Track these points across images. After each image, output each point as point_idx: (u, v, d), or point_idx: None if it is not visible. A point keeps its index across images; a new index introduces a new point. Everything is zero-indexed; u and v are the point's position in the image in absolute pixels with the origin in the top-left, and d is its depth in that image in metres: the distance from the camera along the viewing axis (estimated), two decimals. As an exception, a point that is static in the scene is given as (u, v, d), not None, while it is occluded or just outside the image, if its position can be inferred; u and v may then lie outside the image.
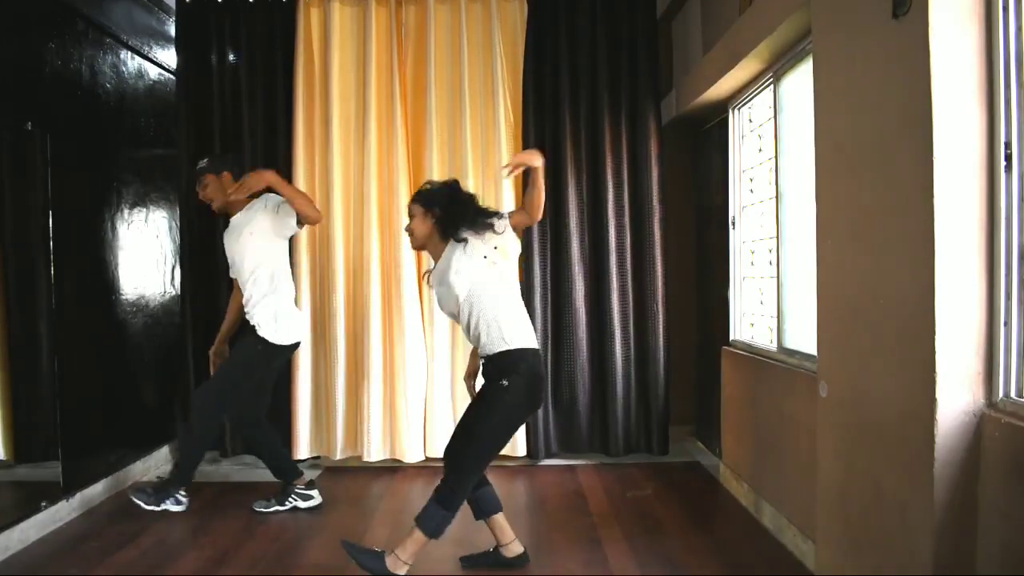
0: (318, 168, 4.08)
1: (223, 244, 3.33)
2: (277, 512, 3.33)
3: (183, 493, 3.28)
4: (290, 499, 3.36)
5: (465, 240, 2.49)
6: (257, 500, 3.38)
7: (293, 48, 4.04)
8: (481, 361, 2.57)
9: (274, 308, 3.17)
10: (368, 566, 2.51)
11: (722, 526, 3.13)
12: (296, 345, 3.33)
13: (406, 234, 2.69)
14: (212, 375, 3.37)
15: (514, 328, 2.51)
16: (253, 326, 3.16)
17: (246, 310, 3.21)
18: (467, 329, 2.57)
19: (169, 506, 3.24)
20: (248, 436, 3.35)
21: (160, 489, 3.26)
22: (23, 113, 3.06)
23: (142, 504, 3.20)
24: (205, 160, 3.31)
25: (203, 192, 3.27)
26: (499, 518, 2.69)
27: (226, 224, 3.36)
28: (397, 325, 4.00)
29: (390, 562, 2.49)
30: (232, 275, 3.32)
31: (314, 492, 3.41)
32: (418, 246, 2.68)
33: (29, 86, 3.10)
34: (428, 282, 2.70)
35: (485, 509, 2.66)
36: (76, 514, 3.29)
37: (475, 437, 2.49)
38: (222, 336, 3.44)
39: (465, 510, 2.59)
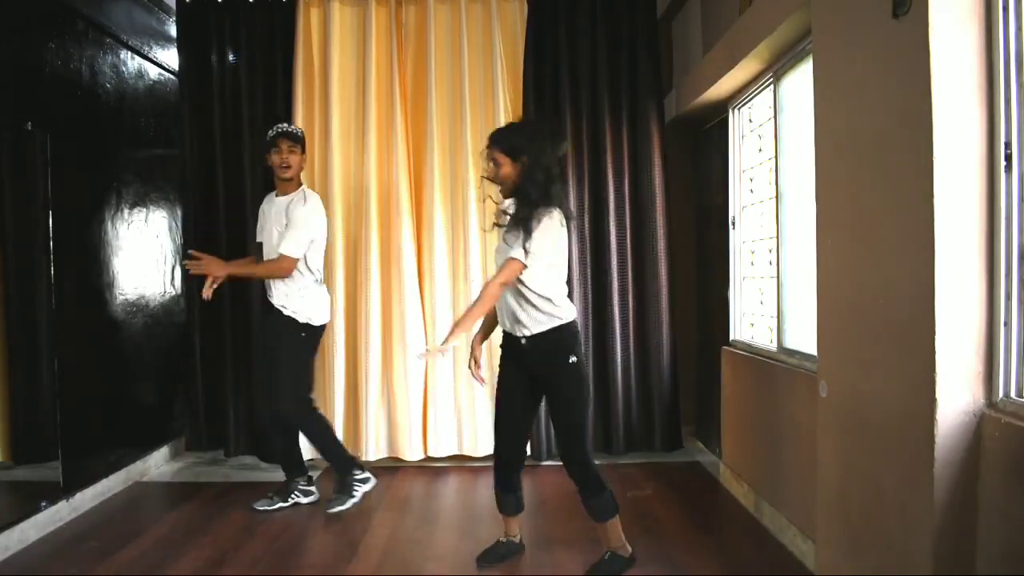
0: (318, 168, 4.08)
1: (257, 216, 3.42)
2: (281, 509, 3.33)
3: (359, 475, 3.33)
4: (293, 495, 3.37)
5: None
6: (258, 500, 3.38)
7: (293, 48, 4.04)
8: (525, 337, 2.51)
9: (297, 292, 3.25)
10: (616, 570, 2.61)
11: (722, 526, 3.13)
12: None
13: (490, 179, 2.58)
14: (278, 379, 3.22)
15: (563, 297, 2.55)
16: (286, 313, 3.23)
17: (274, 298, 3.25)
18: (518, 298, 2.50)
19: (358, 493, 3.29)
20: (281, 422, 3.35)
21: (342, 485, 3.30)
22: (23, 113, 3.06)
23: (342, 508, 3.24)
24: (301, 131, 3.35)
25: (289, 156, 3.22)
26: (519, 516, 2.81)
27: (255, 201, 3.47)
28: (397, 324, 4.00)
29: (621, 552, 2.62)
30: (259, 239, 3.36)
31: (313, 488, 3.44)
32: (510, 194, 2.55)
33: (29, 86, 3.10)
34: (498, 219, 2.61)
35: (517, 508, 2.77)
36: (76, 514, 3.29)
37: (578, 426, 2.54)
38: (232, 269, 3.23)
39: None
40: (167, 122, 4.23)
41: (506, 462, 2.67)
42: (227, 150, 4.14)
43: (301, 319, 3.21)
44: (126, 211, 3.83)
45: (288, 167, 3.23)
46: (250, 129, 4.10)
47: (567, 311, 2.53)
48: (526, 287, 2.47)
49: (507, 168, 2.52)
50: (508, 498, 2.72)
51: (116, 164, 3.77)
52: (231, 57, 4.14)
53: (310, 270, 3.27)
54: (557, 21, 4.08)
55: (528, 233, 2.40)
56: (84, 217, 3.49)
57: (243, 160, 4.09)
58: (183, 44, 4.19)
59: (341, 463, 3.33)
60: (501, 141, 2.55)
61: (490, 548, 2.78)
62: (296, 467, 3.42)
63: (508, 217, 2.52)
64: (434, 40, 4.04)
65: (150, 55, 4.07)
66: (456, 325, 2.46)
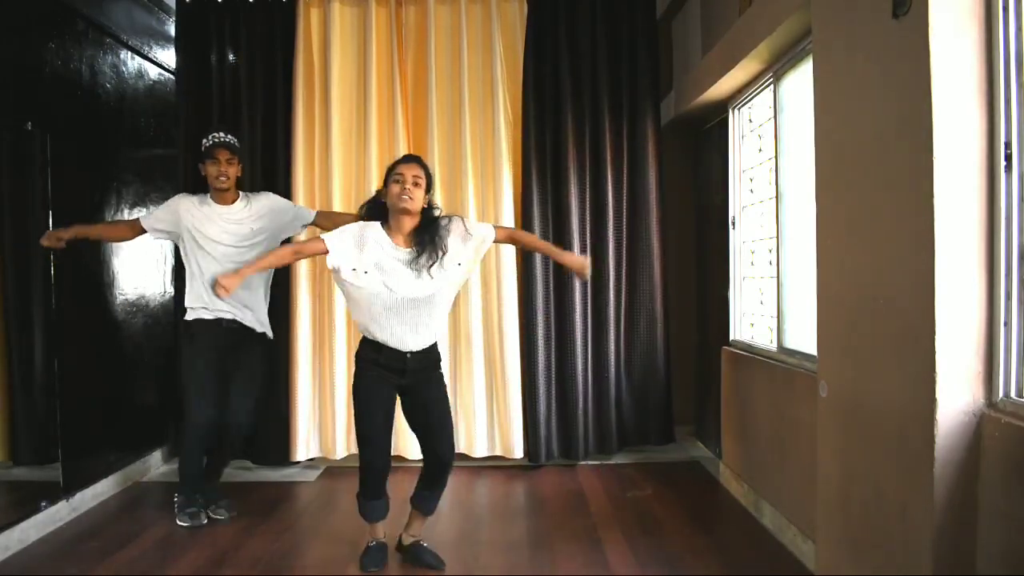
0: (318, 168, 4.08)
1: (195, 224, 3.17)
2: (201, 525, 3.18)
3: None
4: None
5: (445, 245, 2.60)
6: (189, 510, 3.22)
7: (293, 48, 4.04)
8: (409, 353, 2.59)
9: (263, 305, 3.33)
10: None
11: (722, 526, 3.13)
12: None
13: (409, 191, 2.55)
14: (247, 387, 3.23)
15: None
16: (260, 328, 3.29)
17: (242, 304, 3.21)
18: (425, 319, 2.59)
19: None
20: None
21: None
22: (23, 113, 3.06)
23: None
24: (237, 141, 3.26)
25: (227, 168, 3.15)
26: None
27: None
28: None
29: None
30: (190, 253, 3.18)
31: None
32: (414, 213, 2.58)
33: (29, 86, 3.10)
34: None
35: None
36: (76, 514, 3.29)
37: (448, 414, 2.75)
38: (79, 231, 3.11)
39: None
40: (167, 122, 4.23)
41: (382, 469, 2.70)
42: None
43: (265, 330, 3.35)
44: (126, 211, 3.82)
45: (227, 178, 3.16)
46: (250, 129, 4.10)
47: None
48: (447, 301, 2.66)
49: (422, 192, 2.60)
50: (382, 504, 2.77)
51: (116, 164, 3.77)
52: (231, 57, 4.14)
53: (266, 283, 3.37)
54: (557, 21, 4.08)
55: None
56: (84, 217, 3.48)
57: (242, 159, 4.07)
58: (183, 44, 4.18)
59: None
60: (424, 165, 2.67)
61: (370, 550, 2.76)
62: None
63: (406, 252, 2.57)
64: (434, 40, 4.04)
65: (150, 55, 4.07)
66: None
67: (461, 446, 4.07)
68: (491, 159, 4.06)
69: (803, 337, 2.92)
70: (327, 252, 2.53)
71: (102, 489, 3.53)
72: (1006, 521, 1.67)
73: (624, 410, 4.15)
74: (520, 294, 4.06)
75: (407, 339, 2.57)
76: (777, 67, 3.11)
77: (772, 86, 3.18)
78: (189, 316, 3.20)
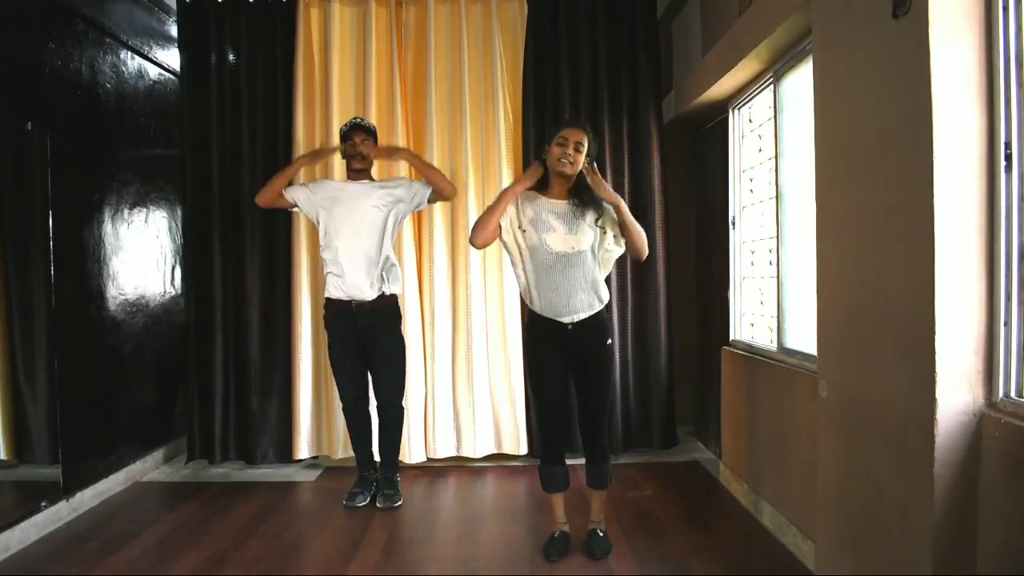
0: (318, 168, 4.07)
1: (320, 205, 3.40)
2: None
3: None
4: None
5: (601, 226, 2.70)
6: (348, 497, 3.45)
7: (293, 48, 4.04)
8: (576, 320, 2.67)
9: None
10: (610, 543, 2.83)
11: (722, 526, 3.13)
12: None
13: (570, 155, 2.62)
14: (392, 369, 3.43)
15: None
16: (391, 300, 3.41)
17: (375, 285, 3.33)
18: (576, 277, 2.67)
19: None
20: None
21: (391, 482, 3.48)
22: (23, 113, 3.06)
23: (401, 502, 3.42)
24: (374, 126, 3.52)
25: (363, 147, 3.37)
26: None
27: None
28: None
29: (602, 527, 2.88)
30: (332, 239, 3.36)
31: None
32: (573, 174, 2.66)
33: (29, 86, 3.10)
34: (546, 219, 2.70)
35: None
36: (76, 514, 3.29)
37: (607, 393, 2.78)
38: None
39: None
40: (167, 122, 4.23)
41: (559, 438, 2.80)
42: (227, 150, 4.13)
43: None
44: (126, 211, 3.83)
45: (362, 157, 3.38)
46: (250, 129, 4.10)
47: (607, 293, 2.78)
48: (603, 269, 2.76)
49: (582, 156, 2.65)
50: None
51: (116, 164, 3.77)
52: (231, 57, 4.14)
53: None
54: (557, 21, 4.08)
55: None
56: (84, 217, 3.49)
57: (243, 160, 4.09)
58: (183, 44, 4.18)
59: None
60: (590, 132, 2.70)
61: (551, 541, 2.83)
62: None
63: (564, 204, 2.69)
64: (434, 40, 4.04)
65: (150, 55, 4.07)
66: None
67: (463, 448, 4.08)
68: (491, 159, 4.06)
69: (803, 337, 2.92)
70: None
71: (102, 489, 3.53)
72: (1006, 521, 1.67)
73: (628, 412, 4.14)
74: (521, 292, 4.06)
75: (564, 305, 2.68)
76: (777, 67, 3.11)
77: (772, 86, 3.18)
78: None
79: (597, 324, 2.72)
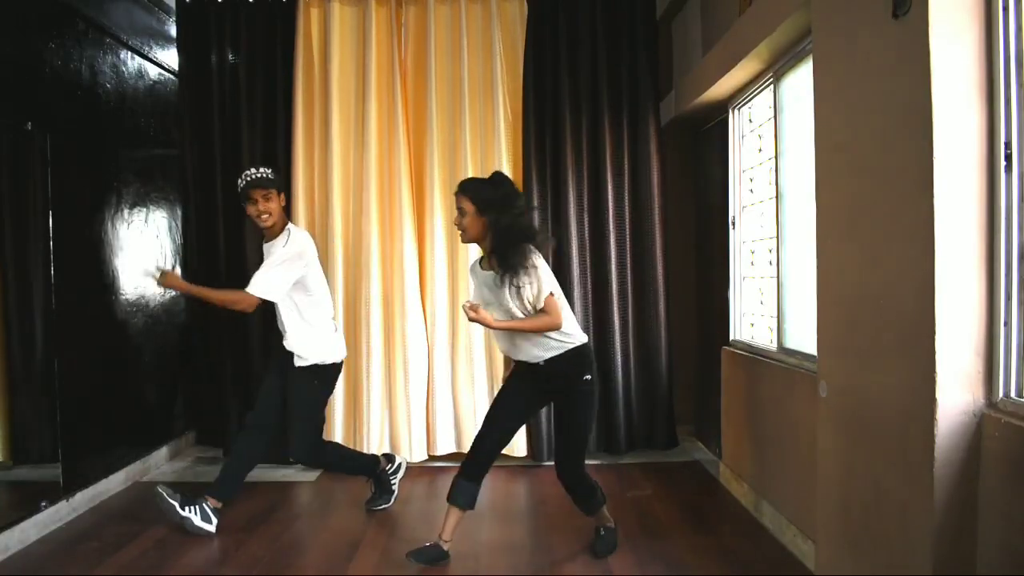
0: (318, 168, 4.08)
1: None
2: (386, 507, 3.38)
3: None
4: (391, 486, 3.42)
5: (518, 286, 2.53)
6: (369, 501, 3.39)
7: (293, 48, 4.04)
8: (542, 360, 2.63)
9: (304, 335, 3.12)
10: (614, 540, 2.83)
11: (722, 526, 3.13)
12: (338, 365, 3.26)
13: (457, 220, 2.64)
14: (298, 423, 3.15)
15: (574, 323, 2.71)
16: (296, 357, 3.11)
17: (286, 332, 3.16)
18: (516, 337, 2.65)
19: (395, 486, 3.43)
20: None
21: (380, 484, 3.39)
22: (23, 113, 3.06)
23: (387, 505, 3.37)
24: (271, 172, 3.08)
25: (265, 205, 3.02)
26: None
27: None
28: (398, 325, 4.00)
29: (609, 525, 2.86)
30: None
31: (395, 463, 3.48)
32: (470, 241, 2.68)
33: (29, 86, 3.10)
34: (477, 290, 2.74)
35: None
36: (76, 514, 3.29)
37: (583, 439, 2.74)
38: (192, 289, 3.12)
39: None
40: (167, 122, 4.23)
41: (484, 461, 2.72)
42: (227, 150, 4.14)
43: (312, 361, 3.11)
44: (126, 211, 3.83)
45: (268, 215, 3.04)
46: (250, 129, 4.10)
47: (580, 336, 2.67)
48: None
49: (471, 218, 2.60)
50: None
51: (116, 164, 3.77)
52: (231, 57, 4.14)
53: (302, 315, 3.12)
54: (557, 21, 4.08)
55: (532, 273, 2.52)
56: (84, 217, 3.49)
57: (242, 160, 4.08)
58: (183, 44, 4.19)
59: (367, 468, 3.36)
60: (469, 191, 2.62)
61: (421, 549, 2.70)
62: (364, 467, 3.38)
63: (491, 274, 2.61)
64: (434, 40, 4.04)
65: (150, 55, 4.07)
66: (487, 320, 2.52)
67: (464, 445, 4.08)
68: (491, 159, 4.06)
69: (803, 337, 2.92)
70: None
71: (102, 489, 3.53)
72: (1006, 521, 1.67)
73: (630, 412, 4.14)
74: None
75: (521, 355, 2.68)
76: (777, 67, 3.11)
77: (772, 86, 3.18)
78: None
79: (571, 358, 2.62)
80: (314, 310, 3.13)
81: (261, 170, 3.06)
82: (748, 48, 3.04)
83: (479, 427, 2.79)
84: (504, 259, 2.53)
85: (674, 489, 3.59)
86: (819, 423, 2.44)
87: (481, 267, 2.71)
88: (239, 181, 3.06)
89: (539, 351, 2.62)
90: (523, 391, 2.74)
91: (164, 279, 3.04)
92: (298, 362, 3.10)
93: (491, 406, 2.80)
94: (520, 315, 2.57)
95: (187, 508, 3.04)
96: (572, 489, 2.78)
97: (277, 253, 3.03)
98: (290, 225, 3.14)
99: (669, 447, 4.15)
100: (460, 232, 2.66)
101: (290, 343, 3.12)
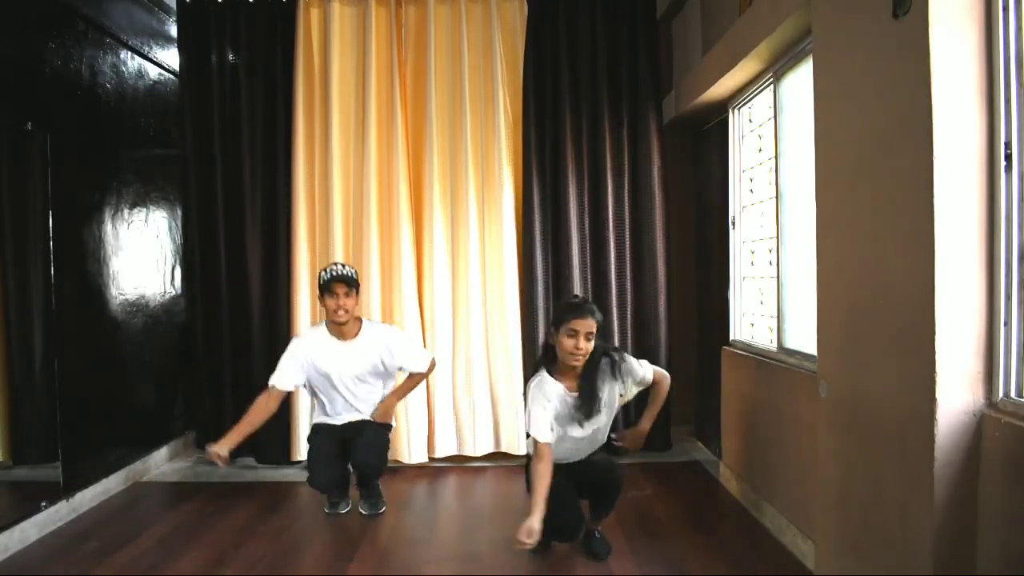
0: (317, 168, 4.08)
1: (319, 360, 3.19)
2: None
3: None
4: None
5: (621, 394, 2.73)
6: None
7: (293, 48, 4.04)
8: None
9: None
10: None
11: (722, 526, 3.13)
12: None
13: (583, 348, 2.56)
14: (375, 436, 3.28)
15: None
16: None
17: (364, 412, 3.30)
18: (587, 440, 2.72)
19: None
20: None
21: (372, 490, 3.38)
22: (23, 113, 3.06)
23: (383, 509, 3.35)
24: (355, 272, 3.19)
25: (345, 301, 3.10)
26: None
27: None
28: (397, 324, 4.00)
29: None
30: (315, 390, 3.30)
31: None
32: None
33: (29, 86, 3.10)
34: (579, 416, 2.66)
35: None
36: (76, 514, 3.29)
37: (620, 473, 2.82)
38: (236, 438, 3.01)
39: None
40: (167, 122, 4.23)
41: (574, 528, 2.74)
42: (227, 150, 4.14)
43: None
44: (126, 211, 3.83)
45: (346, 311, 3.11)
46: (250, 129, 4.10)
47: None
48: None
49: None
50: None
51: (116, 164, 3.77)
52: (231, 57, 4.14)
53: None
54: (557, 21, 4.08)
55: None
56: (84, 217, 3.49)
57: (242, 160, 4.09)
58: (183, 44, 4.19)
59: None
60: (598, 316, 2.61)
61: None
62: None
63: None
64: (434, 40, 4.04)
65: (150, 55, 4.07)
66: None
67: (462, 444, 4.08)
68: (491, 159, 4.06)
69: (803, 337, 2.92)
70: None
71: (102, 489, 3.53)
72: (1006, 521, 1.67)
73: (630, 414, 4.13)
74: (521, 292, 4.07)
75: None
76: (777, 67, 3.11)
77: (772, 86, 3.18)
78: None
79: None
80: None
81: (347, 267, 3.17)
82: (748, 48, 3.04)
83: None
84: (609, 376, 2.67)
85: (674, 489, 3.59)
86: (819, 423, 2.44)
87: (562, 386, 2.63)
88: (322, 273, 3.15)
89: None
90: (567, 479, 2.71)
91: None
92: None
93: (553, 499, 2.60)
94: (606, 425, 2.72)
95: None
96: (600, 514, 2.83)
97: (403, 337, 3.43)
98: (364, 320, 3.32)
99: (663, 449, 4.15)
100: (579, 359, 2.56)
101: (365, 415, 3.30)
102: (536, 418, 2.54)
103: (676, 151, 4.46)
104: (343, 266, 3.18)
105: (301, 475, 3.92)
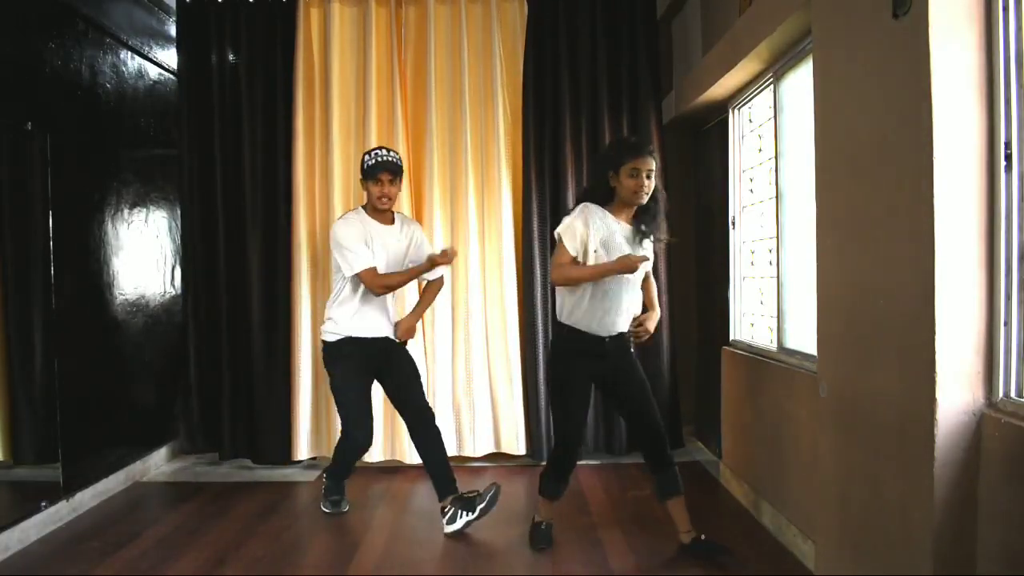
0: (318, 168, 4.08)
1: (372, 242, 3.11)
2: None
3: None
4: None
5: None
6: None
7: (293, 48, 4.04)
8: (610, 335, 2.73)
9: None
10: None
11: (722, 526, 3.13)
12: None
13: (646, 187, 2.63)
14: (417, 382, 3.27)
15: None
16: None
17: (391, 320, 3.25)
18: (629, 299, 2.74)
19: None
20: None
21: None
22: (23, 113, 3.06)
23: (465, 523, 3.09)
24: (399, 158, 3.11)
25: (389, 188, 3.05)
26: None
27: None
28: None
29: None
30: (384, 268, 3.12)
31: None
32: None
33: (29, 86, 3.10)
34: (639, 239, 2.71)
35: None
36: (76, 514, 3.29)
37: (650, 392, 2.85)
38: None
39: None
40: (167, 122, 4.23)
41: (575, 448, 2.80)
42: (227, 150, 4.14)
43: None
44: (126, 211, 3.83)
45: (388, 199, 3.07)
46: (250, 129, 4.10)
47: None
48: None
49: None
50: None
51: (116, 164, 3.77)
52: (231, 57, 4.14)
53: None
54: (557, 21, 4.08)
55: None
56: (84, 217, 3.49)
57: (243, 160, 4.09)
58: (183, 44, 4.19)
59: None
60: (656, 155, 2.74)
61: (538, 532, 2.89)
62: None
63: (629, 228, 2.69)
64: (434, 40, 4.04)
65: (150, 55, 4.07)
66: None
67: (462, 444, 4.08)
68: (491, 159, 4.06)
69: (803, 337, 2.92)
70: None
71: (102, 489, 3.53)
72: (1006, 521, 1.67)
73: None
74: (520, 290, 4.07)
75: (614, 321, 2.71)
76: (777, 67, 3.11)
77: (772, 86, 3.18)
78: (333, 338, 3.13)
79: (626, 336, 2.79)
80: None
81: (392, 153, 3.09)
82: (748, 48, 3.05)
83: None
84: (657, 221, 2.70)
85: (674, 489, 3.58)
86: (819, 423, 2.44)
87: (615, 217, 2.68)
88: (366, 157, 3.08)
89: (632, 317, 2.77)
90: (588, 373, 2.76)
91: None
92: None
93: (566, 394, 2.74)
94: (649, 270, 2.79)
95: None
96: (660, 460, 2.77)
97: (422, 236, 3.30)
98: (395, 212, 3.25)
99: (673, 447, 4.13)
100: (643, 198, 2.63)
101: (390, 329, 3.23)
102: (572, 228, 2.61)
103: (676, 151, 4.46)
104: (388, 151, 3.08)
105: (301, 475, 3.94)
